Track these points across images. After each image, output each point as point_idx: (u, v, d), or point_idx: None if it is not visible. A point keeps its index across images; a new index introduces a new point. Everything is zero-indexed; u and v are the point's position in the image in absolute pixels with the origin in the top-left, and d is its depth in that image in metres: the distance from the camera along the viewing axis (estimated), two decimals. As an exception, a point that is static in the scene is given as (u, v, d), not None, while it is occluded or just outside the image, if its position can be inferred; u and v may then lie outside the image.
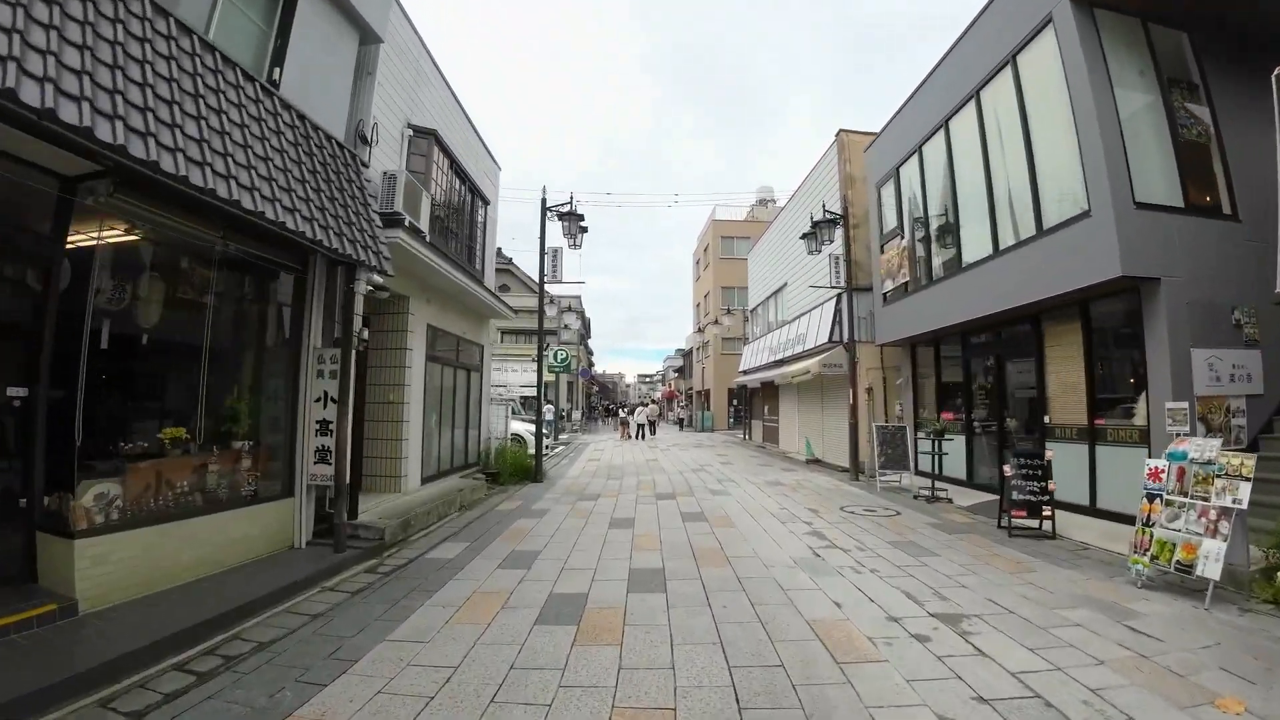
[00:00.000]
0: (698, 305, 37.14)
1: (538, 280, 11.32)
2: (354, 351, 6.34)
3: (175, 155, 3.72)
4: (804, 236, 12.45)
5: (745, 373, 22.43)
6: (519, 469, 10.89)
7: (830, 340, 13.59)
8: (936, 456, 9.50)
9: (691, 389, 40.78)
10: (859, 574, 5.03)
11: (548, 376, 21.46)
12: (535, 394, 11.55)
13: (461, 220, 9.88)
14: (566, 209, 11.05)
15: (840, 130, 14.16)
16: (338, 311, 6.17)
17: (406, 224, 6.93)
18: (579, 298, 30.41)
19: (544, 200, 11.31)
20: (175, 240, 4.52)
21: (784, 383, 16.72)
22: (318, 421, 6.03)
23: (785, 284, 18.58)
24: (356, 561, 5.56)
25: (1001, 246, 8.63)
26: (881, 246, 12.40)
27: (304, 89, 5.60)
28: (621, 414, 27.09)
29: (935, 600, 4.33)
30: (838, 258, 12.51)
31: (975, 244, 9.32)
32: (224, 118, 4.30)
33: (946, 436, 9.66)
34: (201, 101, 4.10)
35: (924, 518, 7.68)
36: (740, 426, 30.99)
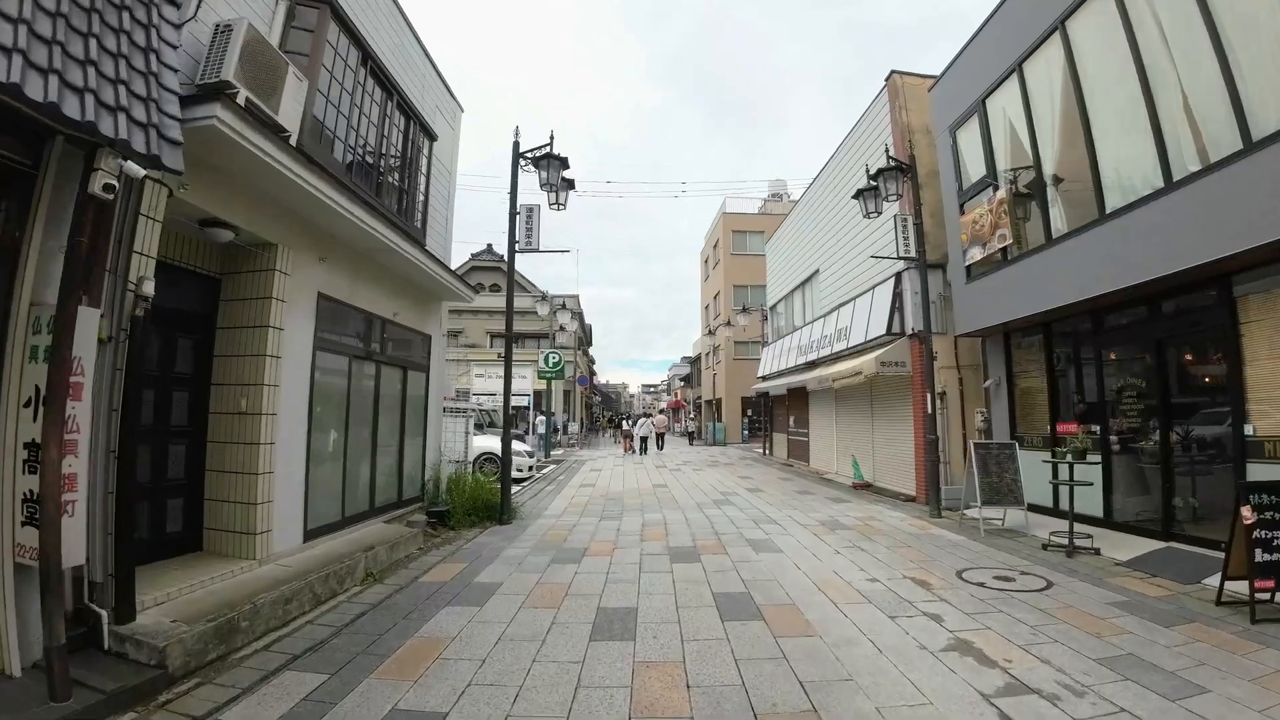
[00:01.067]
0: (706, 307, 34.25)
1: (507, 247, 8.39)
2: (127, 317, 3.46)
3: None
4: (859, 194, 9.53)
5: (765, 378, 19.45)
6: (480, 505, 7.92)
7: (889, 333, 10.63)
8: (1070, 487, 6.49)
9: (700, 398, 37.76)
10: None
11: (538, 384, 18.53)
12: (504, 402, 8.59)
13: (387, 153, 6.99)
14: (544, 152, 8.16)
15: (892, 72, 11.30)
16: (90, 240, 3.25)
17: (243, 102, 4.03)
18: (576, 297, 27.56)
19: (516, 144, 8.43)
20: None
21: (819, 388, 13.76)
22: (25, 444, 3.13)
23: (816, 271, 15.64)
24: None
25: (1178, 176, 5.74)
26: (962, 206, 9.48)
27: None
28: (625, 425, 24.10)
29: None
30: (906, 220, 9.58)
31: (1125, 179, 6.42)
32: None
33: (1089, 459, 6.66)
34: None
35: (1091, 590, 4.78)
36: (757, 440, 27.93)
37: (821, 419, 15.30)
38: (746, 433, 27.93)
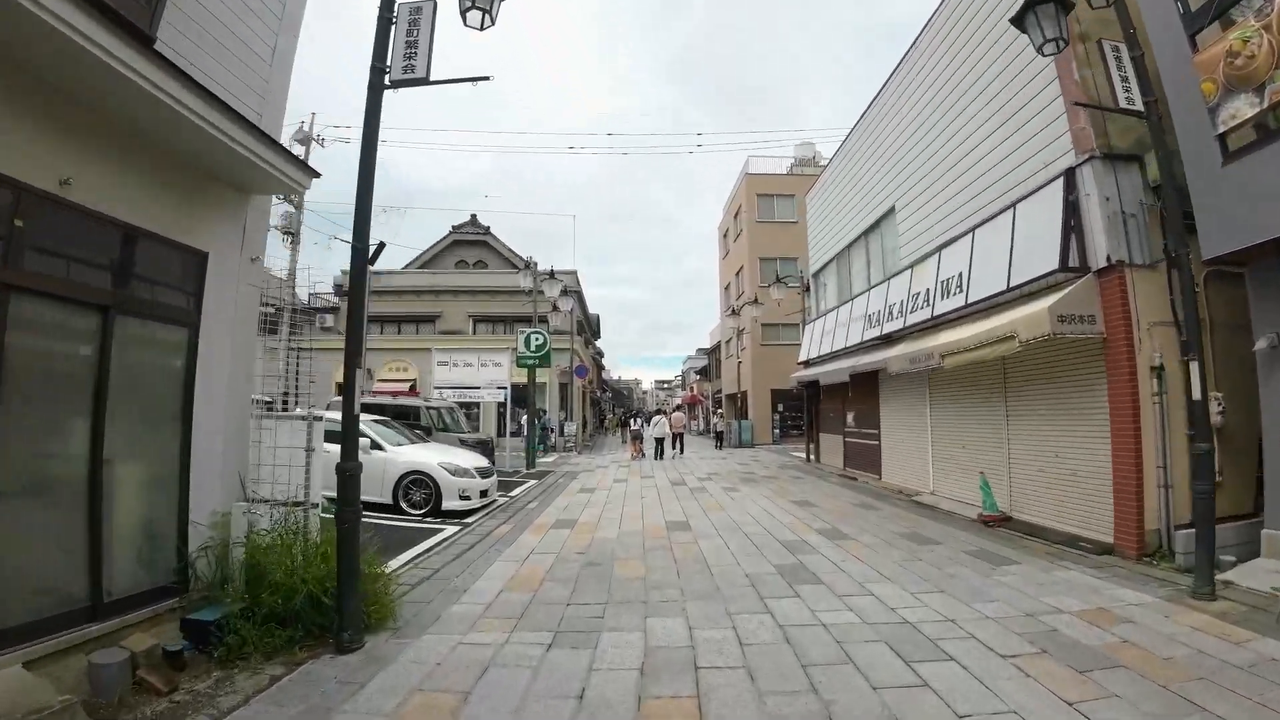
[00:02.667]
0: (726, 287, 29.87)
1: (370, 75, 4.09)
2: None
3: None
4: (1026, 10, 5.20)
5: (809, 363, 15.11)
6: (312, 600, 3.70)
7: (1065, 268, 6.34)
8: None
9: (719, 392, 33.39)
10: None
11: (517, 375, 14.35)
12: (347, 402, 4.27)
13: None
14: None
15: None
16: None
17: None
18: (574, 273, 23.31)
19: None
20: None
21: (904, 371, 9.43)
22: None
23: (891, 210, 11.31)
24: None
25: None
26: (1193, 39, 5.16)
27: None
28: (632, 425, 19.88)
29: None
30: (1117, 52, 5.22)
31: None
32: None
33: None
34: None
35: None
36: (792, 439, 23.56)
37: (902, 415, 10.93)
38: (778, 431, 23.57)
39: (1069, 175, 6.56)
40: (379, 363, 21.81)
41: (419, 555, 5.97)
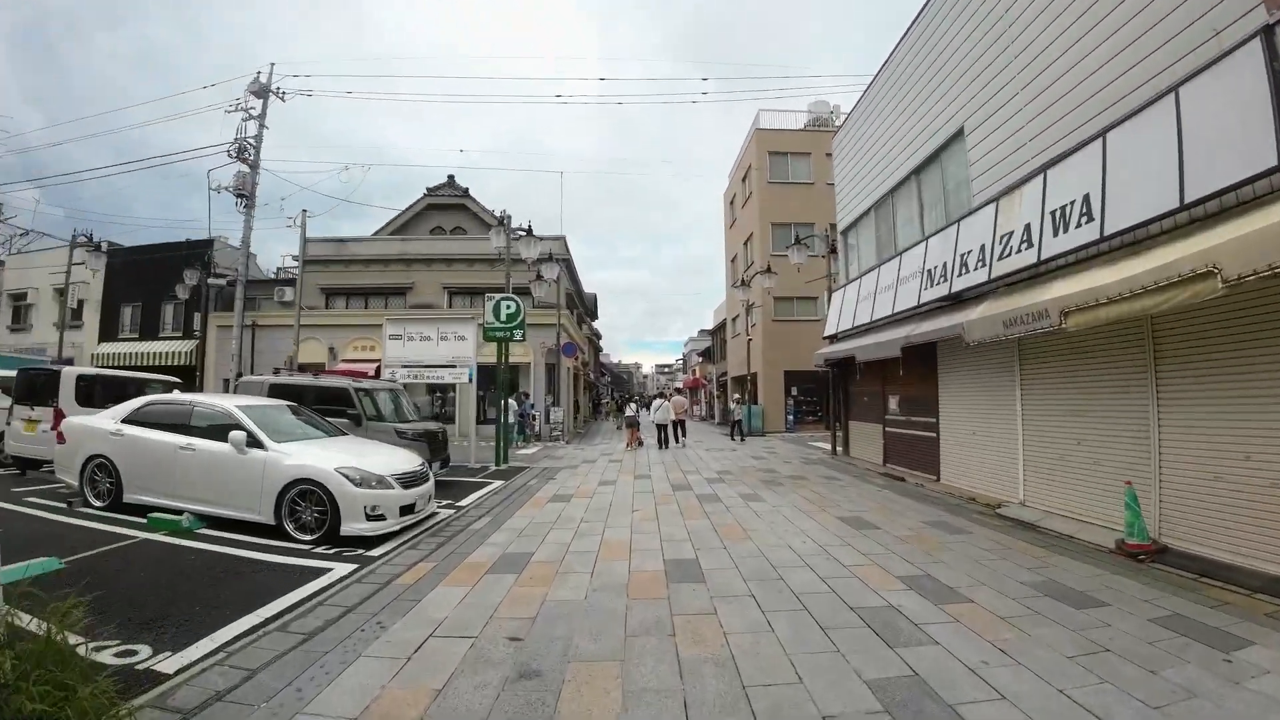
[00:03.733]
0: (733, 259, 27.22)
1: None
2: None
3: None
4: None
5: (837, 338, 12.61)
6: None
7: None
8: None
9: (725, 375, 30.89)
10: None
11: (484, 351, 11.87)
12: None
13: None
14: None
15: None
16: None
17: None
18: (563, 239, 20.64)
19: None
20: None
21: (1011, 335, 6.90)
22: None
23: (959, 133, 8.76)
24: None
25: None
26: None
27: None
28: (628, 410, 17.43)
29: None
30: None
31: None
32: None
33: None
34: None
35: None
36: (808, 427, 21.10)
37: (973, 399, 8.44)
38: (792, 418, 21.09)
39: (1268, 34, 4.05)
40: (343, 340, 19.33)
41: (255, 629, 3.54)
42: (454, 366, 11.40)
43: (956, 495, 8.23)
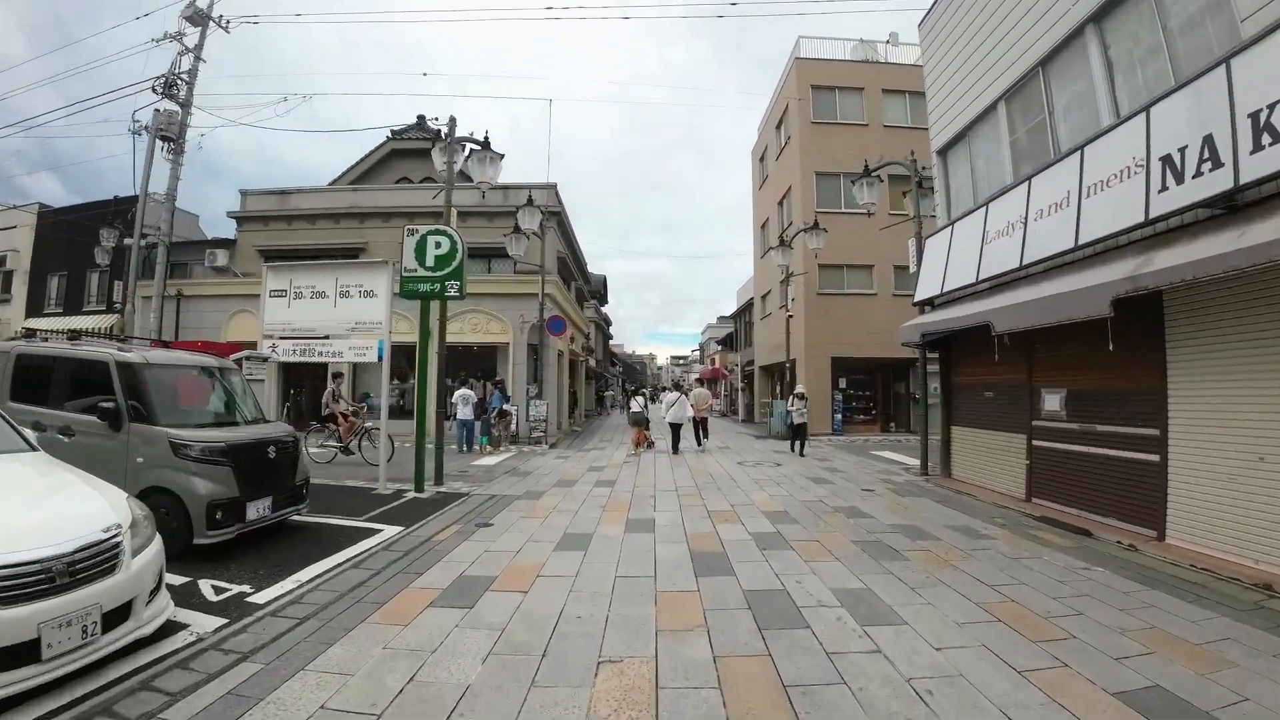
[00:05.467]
0: (764, 224, 22.88)
1: None
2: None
3: None
4: None
5: (936, 303, 8.39)
6: None
7: None
8: None
9: (750, 364, 26.59)
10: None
11: (400, 311, 7.83)
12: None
13: None
14: None
15: None
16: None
17: None
18: (553, 187, 16.48)
19: None
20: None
21: None
22: None
23: None
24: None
25: None
26: None
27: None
28: (634, 405, 13.36)
29: None
30: None
31: None
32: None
33: None
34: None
35: None
36: (857, 428, 16.82)
37: (1254, 399, 4.19)
38: (840, 418, 16.81)
39: None
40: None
41: None
42: (357, 339, 7.41)
43: (1213, 574, 4.07)
